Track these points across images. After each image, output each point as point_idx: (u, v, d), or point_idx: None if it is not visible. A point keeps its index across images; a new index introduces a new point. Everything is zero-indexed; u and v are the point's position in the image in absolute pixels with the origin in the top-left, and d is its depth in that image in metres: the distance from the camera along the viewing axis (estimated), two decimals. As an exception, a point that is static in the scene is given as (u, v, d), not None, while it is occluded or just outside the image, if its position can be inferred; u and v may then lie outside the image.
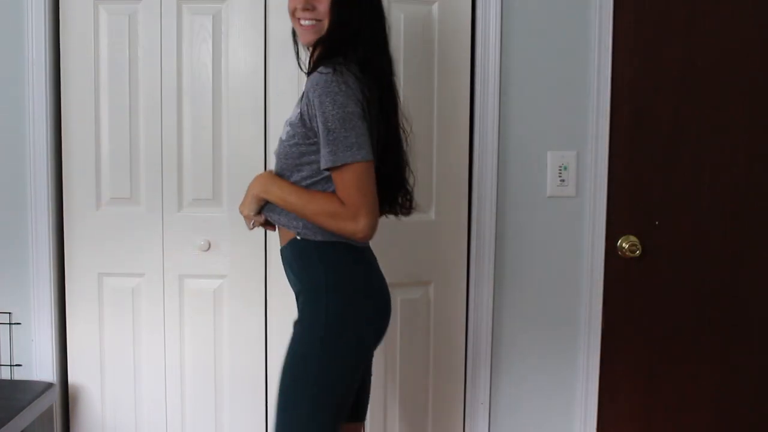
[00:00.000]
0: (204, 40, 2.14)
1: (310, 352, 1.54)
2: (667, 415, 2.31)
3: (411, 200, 1.71)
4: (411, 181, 1.70)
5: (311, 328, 1.55)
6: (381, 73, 1.57)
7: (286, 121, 1.60)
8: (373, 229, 1.48)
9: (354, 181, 1.46)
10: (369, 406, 1.78)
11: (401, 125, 1.66)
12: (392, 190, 1.66)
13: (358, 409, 1.71)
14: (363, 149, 1.45)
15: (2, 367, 2.21)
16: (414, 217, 2.09)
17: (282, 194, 1.55)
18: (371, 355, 1.68)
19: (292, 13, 1.59)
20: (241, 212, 1.65)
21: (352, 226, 1.46)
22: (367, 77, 1.53)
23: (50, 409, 2.16)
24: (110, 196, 2.19)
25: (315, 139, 1.50)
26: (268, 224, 1.66)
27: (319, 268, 1.56)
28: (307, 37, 1.59)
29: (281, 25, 2.12)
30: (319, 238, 1.55)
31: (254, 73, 2.13)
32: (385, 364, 2.19)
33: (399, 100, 1.66)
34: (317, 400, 1.53)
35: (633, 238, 2.24)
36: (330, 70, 1.47)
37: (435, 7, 2.17)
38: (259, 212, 1.63)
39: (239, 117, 2.15)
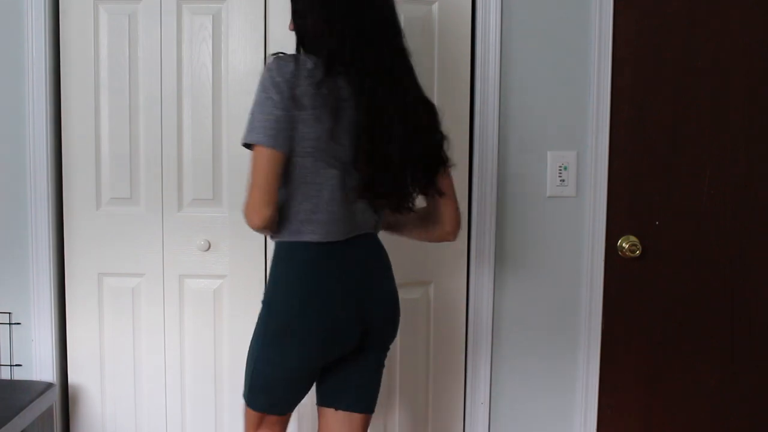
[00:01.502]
0: (204, 40, 2.14)
1: (256, 342, 1.65)
2: (667, 415, 2.31)
3: (407, 199, 1.62)
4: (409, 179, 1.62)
5: (261, 323, 1.65)
6: (354, 66, 1.53)
7: None
8: (252, 213, 1.51)
9: (252, 162, 1.52)
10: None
11: (402, 121, 1.56)
12: (382, 186, 1.56)
13: (357, 399, 1.71)
14: (260, 134, 1.48)
15: (2, 367, 2.21)
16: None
17: None
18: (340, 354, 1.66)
19: None
20: None
21: (244, 210, 1.54)
22: (332, 71, 1.51)
23: (50, 409, 2.16)
24: (110, 196, 2.19)
25: None
26: None
27: (274, 266, 1.63)
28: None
29: (281, 25, 2.12)
30: (283, 237, 1.60)
31: (254, 73, 2.13)
32: (386, 364, 2.18)
33: (392, 94, 1.56)
34: (252, 380, 1.64)
35: (633, 238, 2.24)
36: (273, 58, 1.54)
37: (435, 6, 2.17)
38: None
39: (239, 117, 2.13)
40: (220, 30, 2.14)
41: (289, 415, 1.75)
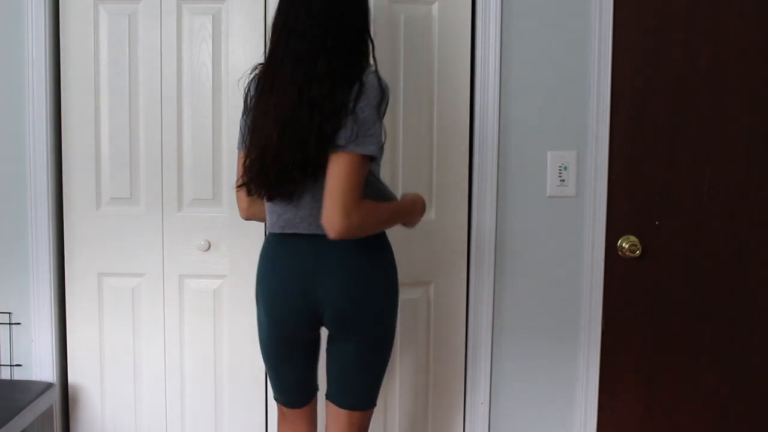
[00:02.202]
0: (204, 40, 2.14)
1: None
2: (667, 415, 2.31)
3: (277, 191, 1.62)
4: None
5: None
6: (267, 70, 1.64)
7: None
8: (239, 209, 1.79)
9: None
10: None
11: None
12: (255, 181, 1.64)
13: (337, 393, 1.75)
14: (238, 140, 1.74)
15: (2, 367, 2.22)
16: (414, 217, 2.10)
17: None
18: (292, 336, 1.73)
19: None
20: None
21: None
22: (259, 76, 1.66)
23: (50, 409, 2.17)
24: (110, 196, 2.19)
25: None
26: None
27: None
28: None
29: (281, 25, 2.12)
30: None
31: (254, 73, 2.13)
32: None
33: (275, 96, 1.58)
34: None
35: (633, 238, 2.24)
36: None
37: (435, 7, 2.17)
38: None
39: (239, 117, 2.14)
40: (220, 30, 2.14)
41: (302, 414, 1.79)
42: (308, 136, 1.53)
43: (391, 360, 2.21)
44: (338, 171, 1.53)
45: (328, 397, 1.77)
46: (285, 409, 1.81)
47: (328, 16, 1.57)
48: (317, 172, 1.56)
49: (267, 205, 1.70)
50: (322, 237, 1.59)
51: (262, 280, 1.72)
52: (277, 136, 1.56)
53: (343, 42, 1.58)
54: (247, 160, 1.64)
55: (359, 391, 1.74)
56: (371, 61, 1.64)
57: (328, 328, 1.71)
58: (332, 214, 1.52)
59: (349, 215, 1.51)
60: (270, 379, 1.83)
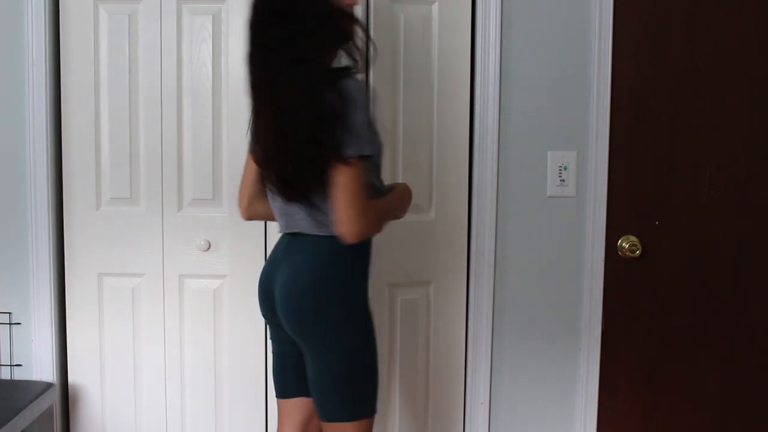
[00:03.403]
0: (204, 40, 2.14)
1: None
2: (667, 415, 2.31)
3: (291, 193, 1.60)
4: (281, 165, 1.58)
5: None
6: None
7: None
8: (240, 209, 1.79)
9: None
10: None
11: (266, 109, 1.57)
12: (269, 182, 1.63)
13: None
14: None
15: (2, 367, 2.22)
16: (414, 217, 2.10)
17: None
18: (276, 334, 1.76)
19: None
20: None
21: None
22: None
23: (50, 409, 2.17)
24: (110, 196, 2.19)
25: None
26: None
27: None
28: None
29: (281, 25, 2.12)
30: None
31: (254, 73, 2.13)
32: (386, 364, 2.18)
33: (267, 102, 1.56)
34: None
35: (633, 238, 2.24)
36: None
37: (435, 7, 2.17)
38: None
39: (239, 117, 2.15)
40: (220, 30, 2.14)
41: (287, 412, 1.77)
42: (306, 149, 1.52)
43: (390, 359, 2.22)
44: (343, 188, 1.52)
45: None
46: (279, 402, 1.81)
47: (284, 26, 1.53)
48: (322, 179, 1.54)
49: (276, 207, 1.68)
50: (299, 235, 1.64)
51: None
52: (274, 148, 1.56)
53: (307, 50, 1.53)
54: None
55: (323, 401, 1.63)
56: (355, 57, 1.59)
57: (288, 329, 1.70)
58: (348, 220, 1.52)
59: (365, 217, 1.53)
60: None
